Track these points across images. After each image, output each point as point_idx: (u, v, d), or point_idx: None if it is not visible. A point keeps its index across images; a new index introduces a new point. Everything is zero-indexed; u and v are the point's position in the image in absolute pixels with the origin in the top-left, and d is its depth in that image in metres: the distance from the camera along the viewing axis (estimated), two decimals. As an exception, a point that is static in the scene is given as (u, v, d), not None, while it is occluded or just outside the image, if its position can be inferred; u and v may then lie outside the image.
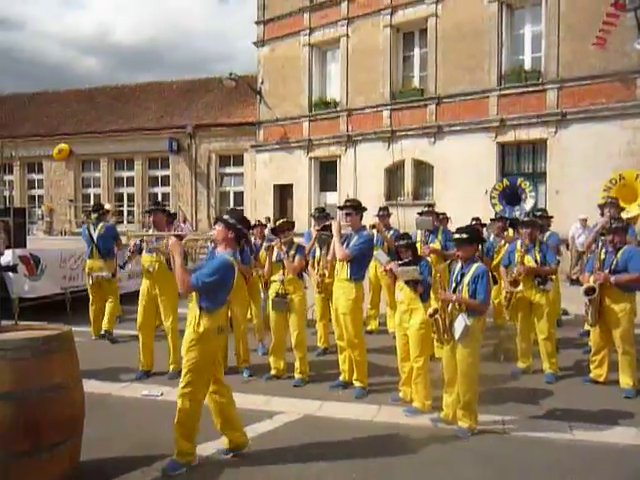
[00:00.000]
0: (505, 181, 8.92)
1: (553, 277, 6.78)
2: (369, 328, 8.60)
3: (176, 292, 6.21)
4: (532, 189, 8.67)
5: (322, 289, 7.43)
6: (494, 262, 8.00)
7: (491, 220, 8.75)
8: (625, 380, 5.97)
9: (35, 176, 25.48)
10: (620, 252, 6.01)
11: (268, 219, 8.87)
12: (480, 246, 5.26)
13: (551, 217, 8.28)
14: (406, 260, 5.41)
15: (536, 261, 6.55)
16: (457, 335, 4.80)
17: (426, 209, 8.96)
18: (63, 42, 76.68)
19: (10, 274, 8.62)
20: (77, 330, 5.09)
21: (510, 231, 8.91)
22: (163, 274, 6.54)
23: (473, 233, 5.09)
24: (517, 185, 9.09)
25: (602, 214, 8.16)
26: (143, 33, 78.75)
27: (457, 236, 5.03)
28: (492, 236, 8.31)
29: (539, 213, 8.12)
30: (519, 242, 6.77)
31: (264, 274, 6.83)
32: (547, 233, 7.70)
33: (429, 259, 6.83)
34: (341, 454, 4.49)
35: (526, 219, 6.95)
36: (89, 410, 4.18)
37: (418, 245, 7.05)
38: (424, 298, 5.31)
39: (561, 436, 4.81)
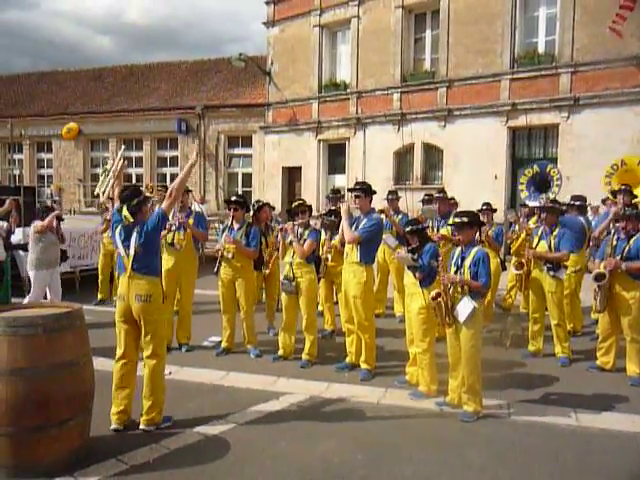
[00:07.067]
0: (535, 167, 8.75)
1: (567, 264, 6.71)
2: (376, 312, 8.61)
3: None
4: (559, 177, 8.51)
5: (324, 273, 7.44)
6: (513, 248, 7.95)
7: (521, 206, 8.69)
8: (632, 368, 5.97)
9: (44, 155, 25.50)
10: (633, 239, 5.97)
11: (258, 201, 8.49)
12: (479, 230, 5.29)
13: (564, 205, 8.18)
14: (414, 246, 5.41)
15: (550, 247, 6.53)
16: (463, 318, 4.82)
17: (427, 197, 8.90)
18: (77, 21, 76.02)
19: (21, 252, 8.71)
20: (87, 308, 5.14)
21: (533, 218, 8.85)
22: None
23: (473, 217, 5.13)
24: (547, 172, 8.94)
25: (604, 203, 8.10)
26: (157, 13, 77.93)
27: (457, 220, 5.08)
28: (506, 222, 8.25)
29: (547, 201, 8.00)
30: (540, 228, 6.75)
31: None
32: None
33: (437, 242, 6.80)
34: (347, 435, 4.53)
35: (547, 205, 6.86)
36: (99, 387, 4.25)
37: (429, 231, 7.01)
38: (424, 284, 5.31)
39: (565, 422, 4.84)
